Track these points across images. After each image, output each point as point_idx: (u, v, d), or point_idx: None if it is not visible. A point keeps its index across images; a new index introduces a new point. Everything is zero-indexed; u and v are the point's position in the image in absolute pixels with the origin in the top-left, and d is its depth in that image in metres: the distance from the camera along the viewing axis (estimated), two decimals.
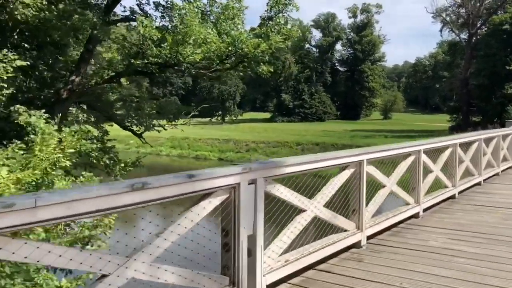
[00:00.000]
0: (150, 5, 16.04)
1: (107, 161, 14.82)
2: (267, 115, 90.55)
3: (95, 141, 14.78)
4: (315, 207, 4.43)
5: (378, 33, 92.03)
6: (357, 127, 68.39)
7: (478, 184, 9.71)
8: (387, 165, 6.53)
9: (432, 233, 5.96)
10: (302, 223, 4.25)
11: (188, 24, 12.18)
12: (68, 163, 7.19)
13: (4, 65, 11.51)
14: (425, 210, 7.00)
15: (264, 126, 71.76)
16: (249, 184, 3.53)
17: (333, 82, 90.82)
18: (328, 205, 4.71)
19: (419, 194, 6.74)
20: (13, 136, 12.70)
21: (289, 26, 15.66)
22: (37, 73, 16.44)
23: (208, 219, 3.52)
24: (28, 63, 12.42)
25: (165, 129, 18.42)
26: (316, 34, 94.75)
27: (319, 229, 4.76)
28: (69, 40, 14.67)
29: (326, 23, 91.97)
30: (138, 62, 13.25)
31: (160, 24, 14.11)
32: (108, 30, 15.14)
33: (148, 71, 14.84)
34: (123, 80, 18.78)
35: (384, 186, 5.81)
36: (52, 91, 15.66)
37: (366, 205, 5.34)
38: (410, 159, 6.52)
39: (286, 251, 4.10)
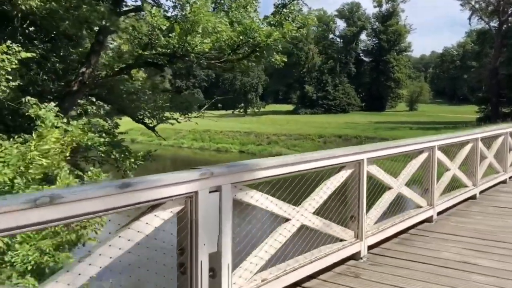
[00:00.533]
0: None
1: (117, 155, 14.45)
2: (290, 107, 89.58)
3: (104, 135, 14.46)
4: (301, 215, 3.80)
5: (403, 23, 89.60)
6: (381, 119, 66.95)
7: (504, 182, 8.88)
8: (400, 162, 5.85)
9: (446, 241, 5.25)
10: (284, 235, 3.63)
11: (196, 12, 11.60)
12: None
13: (9, 57, 11.21)
14: (439, 213, 6.26)
15: (287, 118, 71.03)
16: (210, 192, 2.93)
17: (357, 73, 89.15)
18: (319, 212, 4.07)
19: (433, 195, 6.02)
20: (24, 129, 12.44)
21: (305, 13, 14.94)
22: (49, 65, 16.22)
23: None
24: (33, 54, 12.09)
25: (178, 122, 17.94)
26: (340, 24, 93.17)
27: (309, 240, 4.13)
28: (80, 32, 14.28)
29: (350, 12, 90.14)
30: (146, 53, 12.76)
31: (173, 14, 13.57)
32: (118, 21, 14.70)
33: (158, 63, 14.34)
34: (138, 72, 18.41)
35: (390, 188, 5.14)
36: (62, 83, 15.38)
37: (368, 210, 4.68)
38: (423, 156, 5.79)
39: (263, 268, 3.50)
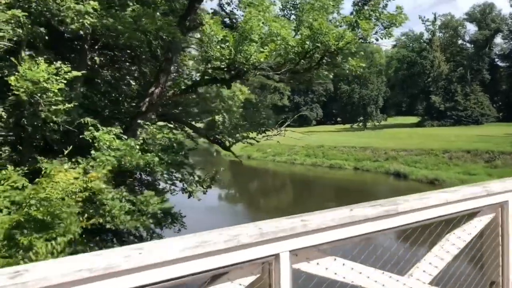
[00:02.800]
0: (231, 4, 14.26)
1: (180, 176, 13.38)
2: (414, 119, 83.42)
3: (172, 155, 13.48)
4: None
5: None
6: None
7: None
8: None
9: None
10: None
11: (247, 17, 10.00)
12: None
13: (57, 77, 10.74)
14: None
15: (409, 132, 65.79)
16: None
17: (492, 80, 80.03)
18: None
19: None
20: (82, 152, 11.97)
21: (393, 12, 12.46)
22: (123, 87, 15.92)
23: None
24: (83, 72, 11.56)
25: (257, 141, 16.39)
26: (471, 28, 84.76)
27: None
28: (142, 47, 13.62)
29: (482, 14, 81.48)
30: (201, 67, 11.51)
31: (228, 23, 12.19)
32: (186, 37, 13.76)
33: (222, 78, 13.02)
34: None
35: None
36: (133, 104, 14.89)
37: None
38: None
39: None
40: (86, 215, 10.30)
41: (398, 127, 74.71)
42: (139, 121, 12.52)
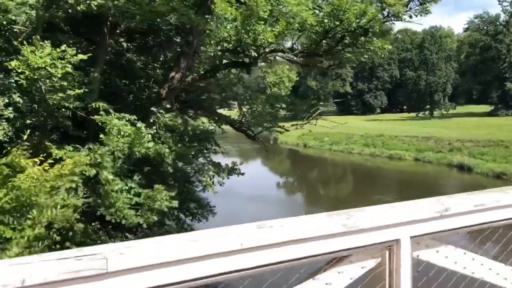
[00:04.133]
0: None
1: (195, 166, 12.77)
2: (486, 108, 77.90)
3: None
4: None
5: None
6: None
7: None
8: None
9: None
10: None
11: None
12: None
13: (62, 61, 10.44)
14: None
15: (477, 121, 61.39)
16: None
17: None
18: None
19: None
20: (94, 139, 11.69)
21: None
22: (148, 71, 15.52)
23: None
24: (86, 56, 11.19)
25: (286, 130, 15.44)
26: None
27: None
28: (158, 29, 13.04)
29: None
30: (211, 50, 10.71)
31: None
32: (205, 19, 13.03)
33: (243, 62, 12.17)
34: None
35: None
36: (155, 90, 14.44)
37: None
38: None
39: None
40: (88, 206, 9.95)
41: (468, 116, 70.07)
42: (152, 108, 12.00)
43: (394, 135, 53.37)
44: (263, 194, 30.61)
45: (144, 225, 9.54)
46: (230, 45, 10.36)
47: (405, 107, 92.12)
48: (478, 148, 43.70)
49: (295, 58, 12.10)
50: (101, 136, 11.03)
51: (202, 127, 14.79)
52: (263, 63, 13.03)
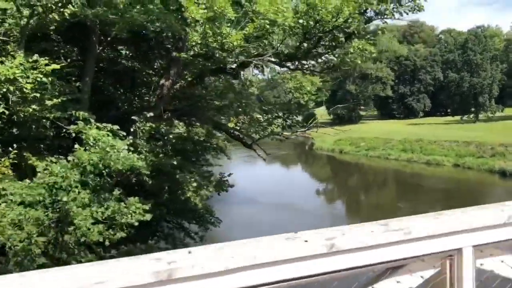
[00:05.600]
0: None
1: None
2: None
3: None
4: None
5: None
6: None
7: None
8: None
9: None
10: None
11: None
12: None
13: (34, 72, 10.30)
14: None
15: None
16: None
17: None
18: None
19: None
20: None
21: None
22: (144, 78, 15.27)
23: None
24: (63, 64, 10.99)
25: (286, 138, 14.76)
26: None
27: None
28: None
29: None
30: (184, 55, 10.21)
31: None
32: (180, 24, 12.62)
33: (224, 69, 11.64)
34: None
35: None
36: (146, 98, 14.16)
37: None
38: None
39: None
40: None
41: None
42: (134, 117, 11.66)
43: (434, 140, 51.21)
44: (294, 201, 30.03)
45: (107, 243, 9.14)
46: (202, 50, 9.84)
47: (449, 110, 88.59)
48: None
49: (283, 62, 11.45)
50: (75, 146, 10.79)
51: (197, 137, 14.36)
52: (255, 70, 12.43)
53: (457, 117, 73.97)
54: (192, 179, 11.60)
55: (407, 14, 9.81)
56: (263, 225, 19.28)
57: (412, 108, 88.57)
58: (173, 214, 13.87)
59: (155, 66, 14.20)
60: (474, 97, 69.29)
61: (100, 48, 13.76)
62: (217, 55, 9.30)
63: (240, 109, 13.47)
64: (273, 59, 10.58)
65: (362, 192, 40.12)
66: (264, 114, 13.79)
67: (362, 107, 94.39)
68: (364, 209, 31.95)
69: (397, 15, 9.88)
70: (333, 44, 9.84)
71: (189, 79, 12.55)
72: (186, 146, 12.71)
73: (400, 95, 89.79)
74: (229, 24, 8.63)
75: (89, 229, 9.31)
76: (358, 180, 47.82)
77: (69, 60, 13.82)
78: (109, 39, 13.94)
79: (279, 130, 14.05)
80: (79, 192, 9.93)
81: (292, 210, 27.78)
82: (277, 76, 18.42)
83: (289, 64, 11.27)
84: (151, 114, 11.87)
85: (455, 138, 50.10)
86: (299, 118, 14.24)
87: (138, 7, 10.96)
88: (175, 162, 11.29)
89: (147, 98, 13.66)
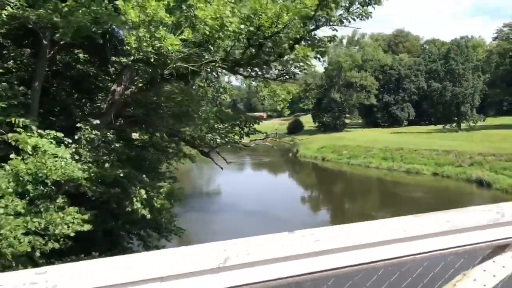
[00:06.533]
0: None
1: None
2: None
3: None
4: None
5: None
6: None
7: None
8: None
9: None
10: None
11: None
12: None
13: None
14: None
15: (506, 134, 58.14)
16: None
17: None
18: None
19: None
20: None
21: None
22: (99, 83, 14.91)
23: None
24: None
25: (246, 146, 14.49)
26: None
27: None
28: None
29: None
30: (128, 59, 9.91)
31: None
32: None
33: (183, 73, 11.33)
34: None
35: None
36: (98, 104, 13.80)
37: None
38: None
39: None
40: None
41: (498, 129, 66.61)
42: (79, 124, 11.28)
43: (414, 148, 51.29)
44: (274, 209, 29.82)
45: (37, 254, 8.75)
46: (139, 55, 9.53)
47: (432, 119, 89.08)
48: (501, 163, 41.36)
49: (236, 69, 11.19)
50: (11, 156, 10.38)
51: (158, 144, 14.02)
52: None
53: (440, 126, 74.32)
54: (142, 190, 11.24)
55: (355, 20, 9.61)
56: (238, 232, 18.95)
57: (396, 117, 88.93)
58: (131, 224, 13.49)
59: (111, 72, 13.86)
60: (456, 107, 69.73)
61: (52, 52, 13.37)
62: (152, 60, 9.00)
63: (196, 116, 13.18)
64: (223, 66, 10.32)
65: (342, 200, 40.05)
66: (221, 123, 13.51)
67: (347, 115, 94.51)
68: (341, 216, 31.77)
69: (346, 22, 9.70)
70: (277, 50, 9.61)
71: (140, 84, 12.22)
72: (143, 153, 12.39)
73: (384, 104, 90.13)
74: (165, 28, 8.36)
75: (19, 239, 8.91)
76: (338, 188, 47.70)
77: (19, 63, 13.44)
78: (62, 42, 13.55)
79: (237, 138, 13.78)
80: (12, 200, 9.51)
81: (271, 217, 27.58)
82: (252, 84, 18.13)
83: (241, 71, 11.01)
84: (97, 121, 11.49)
85: (435, 147, 50.27)
86: (255, 126, 13.95)
87: (83, 9, 10.64)
88: (120, 172, 10.92)
89: (99, 104, 13.30)
